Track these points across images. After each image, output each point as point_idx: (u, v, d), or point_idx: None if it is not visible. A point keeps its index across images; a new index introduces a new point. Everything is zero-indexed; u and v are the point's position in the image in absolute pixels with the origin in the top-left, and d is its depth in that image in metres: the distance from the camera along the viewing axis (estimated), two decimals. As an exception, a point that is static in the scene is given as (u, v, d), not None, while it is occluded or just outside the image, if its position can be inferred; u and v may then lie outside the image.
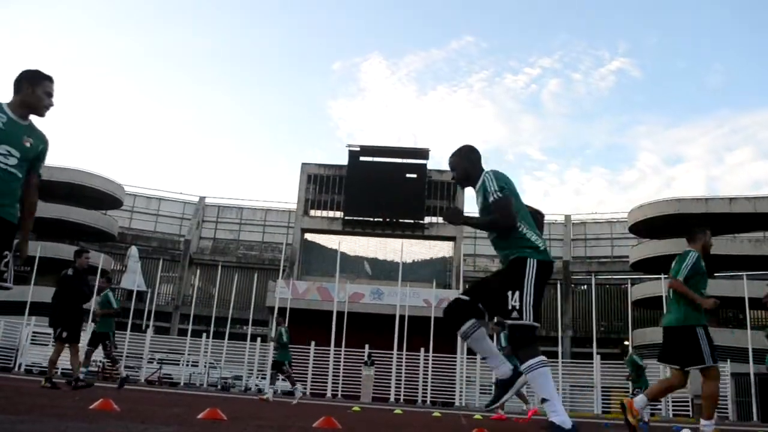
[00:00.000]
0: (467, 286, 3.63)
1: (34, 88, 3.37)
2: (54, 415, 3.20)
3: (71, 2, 77.58)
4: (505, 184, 3.49)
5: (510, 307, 3.32)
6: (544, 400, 3.22)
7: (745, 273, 26.17)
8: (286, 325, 13.20)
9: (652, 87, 77.39)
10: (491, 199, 3.45)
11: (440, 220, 36.58)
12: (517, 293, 3.33)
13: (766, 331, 5.27)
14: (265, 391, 11.53)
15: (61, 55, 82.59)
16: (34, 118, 3.49)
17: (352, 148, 37.17)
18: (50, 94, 3.44)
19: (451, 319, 3.51)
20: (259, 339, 24.75)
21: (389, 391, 22.58)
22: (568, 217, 42.03)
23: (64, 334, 7.99)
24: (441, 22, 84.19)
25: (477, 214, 3.75)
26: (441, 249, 37.79)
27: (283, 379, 13.76)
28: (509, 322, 3.35)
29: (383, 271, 34.99)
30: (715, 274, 32.38)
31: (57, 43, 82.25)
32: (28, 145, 3.35)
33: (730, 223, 32.47)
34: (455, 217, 3.59)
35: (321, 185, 37.14)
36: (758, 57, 75.49)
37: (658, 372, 22.54)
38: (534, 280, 3.36)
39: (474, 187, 3.67)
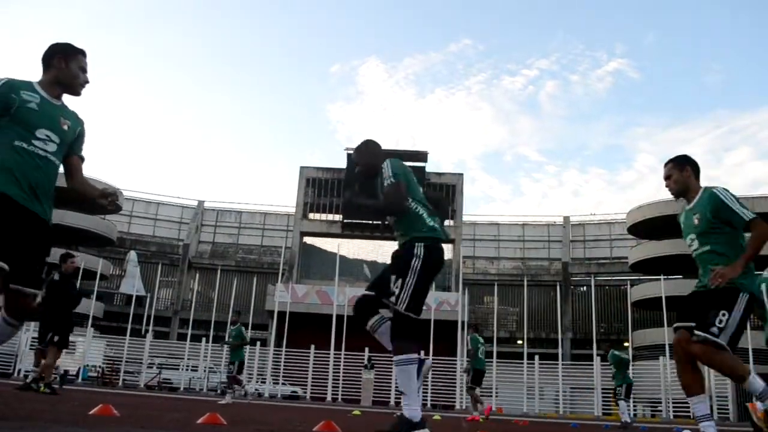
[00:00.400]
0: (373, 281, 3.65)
1: (68, 63, 2.96)
2: (53, 420, 3.19)
3: (69, 2, 77.69)
4: (399, 171, 3.53)
5: (391, 291, 3.34)
6: (401, 393, 3.31)
7: (744, 273, 26.12)
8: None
9: (650, 88, 77.57)
10: (385, 184, 3.48)
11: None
12: (400, 280, 3.34)
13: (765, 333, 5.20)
14: (229, 392, 11.42)
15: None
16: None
17: (350, 151, 37.18)
18: (85, 70, 3.05)
19: (358, 315, 3.54)
20: (258, 343, 24.72)
21: (389, 394, 22.54)
22: (566, 219, 42.06)
23: (56, 339, 7.99)
24: (439, 25, 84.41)
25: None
26: (440, 251, 37.81)
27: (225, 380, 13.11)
28: (391, 305, 3.36)
29: (382, 274, 34.99)
30: (715, 275, 32.41)
31: (47, 37, 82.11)
32: (65, 128, 2.94)
33: (729, 223, 32.51)
34: (349, 202, 3.66)
35: (320, 188, 37.15)
36: (756, 57, 75.71)
37: (658, 371, 22.56)
38: (420, 267, 3.36)
39: (377, 179, 3.73)
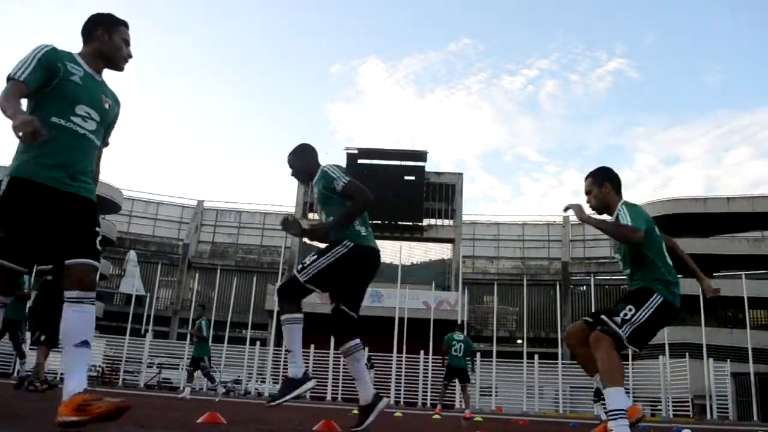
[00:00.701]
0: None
1: (111, 35, 2.71)
2: (43, 422, 3.18)
3: (68, 2, 77.66)
4: (346, 171, 3.70)
5: (303, 262, 3.58)
6: (287, 351, 3.58)
7: (743, 272, 26.20)
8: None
9: (650, 88, 77.59)
10: (341, 184, 3.60)
11: (439, 222, 36.65)
12: (315, 255, 3.55)
13: None
14: (183, 388, 11.49)
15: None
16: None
17: (350, 151, 37.19)
18: (128, 42, 2.80)
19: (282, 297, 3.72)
20: (258, 342, 24.71)
21: (389, 393, 22.54)
22: (566, 218, 42.00)
23: (42, 338, 8.01)
24: (438, 25, 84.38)
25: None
26: (440, 251, 37.81)
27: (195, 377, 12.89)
28: (295, 272, 3.57)
29: (382, 273, 34.68)
30: (714, 274, 32.41)
31: (47, 40, 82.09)
32: (107, 106, 2.67)
33: (729, 222, 32.53)
34: (294, 227, 3.69)
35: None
36: (756, 57, 75.70)
37: (658, 371, 22.56)
38: (338, 258, 3.53)
39: (311, 182, 3.86)
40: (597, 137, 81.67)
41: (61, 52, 2.54)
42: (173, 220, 43.68)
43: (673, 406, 21.79)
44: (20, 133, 2.15)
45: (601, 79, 73.93)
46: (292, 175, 3.96)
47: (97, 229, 2.55)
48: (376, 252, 3.73)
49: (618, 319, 3.40)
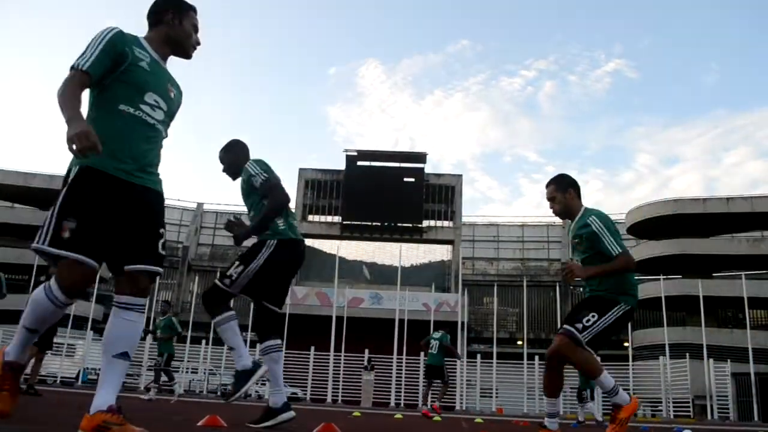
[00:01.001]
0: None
1: (181, 19, 2.52)
2: (53, 423, 3.18)
3: (67, 2, 77.67)
4: (269, 167, 3.83)
5: (227, 273, 3.67)
6: (231, 349, 3.68)
7: (743, 273, 26.19)
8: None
9: (649, 88, 77.66)
10: (259, 181, 3.74)
11: (439, 223, 36.63)
12: (241, 265, 3.66)
13: None
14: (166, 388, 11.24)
15: (54, 61, 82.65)
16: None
17: (349, 153, 37.18)
18: (197, 29, 2.60)
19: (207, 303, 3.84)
20: (258, 345, 24.69)
21: (389, 395, 22.52)
22: (566, 220, 42.03)
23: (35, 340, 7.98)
24: (436, 27, 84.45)
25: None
26: (439, 252, 37.78)
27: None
28: (217, 281, 3.70)
29: (382, 275, 34.96)
30: (714, 274, 32.41)
31: (50, 44, 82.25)
32: (172, 95, 2.51)
33: (728, 222, 32.53)
34: (236, 229, 3.88)
35: (319, 190, 37.13)
36: (755, 57, 75.77)
37: (658, 371, 22.54)
38: (267, 258, 3.65)
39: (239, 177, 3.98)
40: (596, 137, 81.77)
41: (128, 36, 2.37)
42: (173, 222, 43.64)
43: (674, 407, 21.78)
44: (74, 146, 2.01)
45: (599, 80, 74.05)
46: (223, 171, 4.04)
47: (162, 230, 2.41)
48: (299, 243, 3.83)
49: (579, 326, 3.55)
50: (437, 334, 11.46)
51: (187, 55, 2.60)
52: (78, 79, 2.22)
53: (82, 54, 2.25)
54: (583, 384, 11.87)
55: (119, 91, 2.32)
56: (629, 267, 3.66)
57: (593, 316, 3.58)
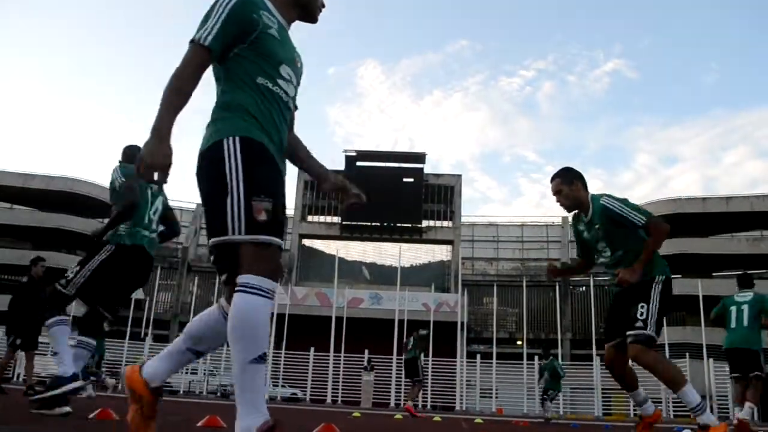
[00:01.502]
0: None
1: None
2: (53, 424, 3.17)
3: (66, 2, 77.65)
4: (128, 172, 3.97)
5: (66, 276, 3.86)
6: (54, 354, 3.77)
7: (743, 272, 26.17)
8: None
9: (648, 88, 77.71)
10: (117, 184, 4.01)
11: (438, 223, 36.63)
12: (78, 267, 3.86)
13: None
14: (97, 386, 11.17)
15: (54, 61, 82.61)
16: None
17: (348, 153, 37.18)
18: None
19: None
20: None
21: (389, 396, 22.52)
22: (565, 219, 41.96)
23: (18, 341, 7.99)
24: (436, 26, 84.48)
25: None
26: (439, 253, 37.77)
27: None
28: (59, 287, 3.84)
29: (381, 275, 34.95)
30: (713, 274, 32.42)
31: (50, 44, 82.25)
32: (299, 65, 2.14)
33: (728, 222, 32.55)
34: (97, 234, 3.97)
35: (318, 191, 37.12)
36: (754, 56, 75.84)
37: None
38: (101, 261, 3.84)
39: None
40: (595, 137, 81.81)
41: None
42: (172, 223, 43.61)
43: (674, 407, 21.77)
44: (147, 162, 1.75)
45: (598, 80, 74.10)
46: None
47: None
48: (138, 249, 3.92)
49: (639, 324, 3.45)
50: (420, 332, 12.47)
51: (313, 19, 2.23)
52: (199, 57, 1.86)
53: (203, 24, 1.88)
54: (549, 383, 12.31)
55: (254, 63, 1.94)
56: (664, 231, 3.57)
57: (642, 307, 3.50)
